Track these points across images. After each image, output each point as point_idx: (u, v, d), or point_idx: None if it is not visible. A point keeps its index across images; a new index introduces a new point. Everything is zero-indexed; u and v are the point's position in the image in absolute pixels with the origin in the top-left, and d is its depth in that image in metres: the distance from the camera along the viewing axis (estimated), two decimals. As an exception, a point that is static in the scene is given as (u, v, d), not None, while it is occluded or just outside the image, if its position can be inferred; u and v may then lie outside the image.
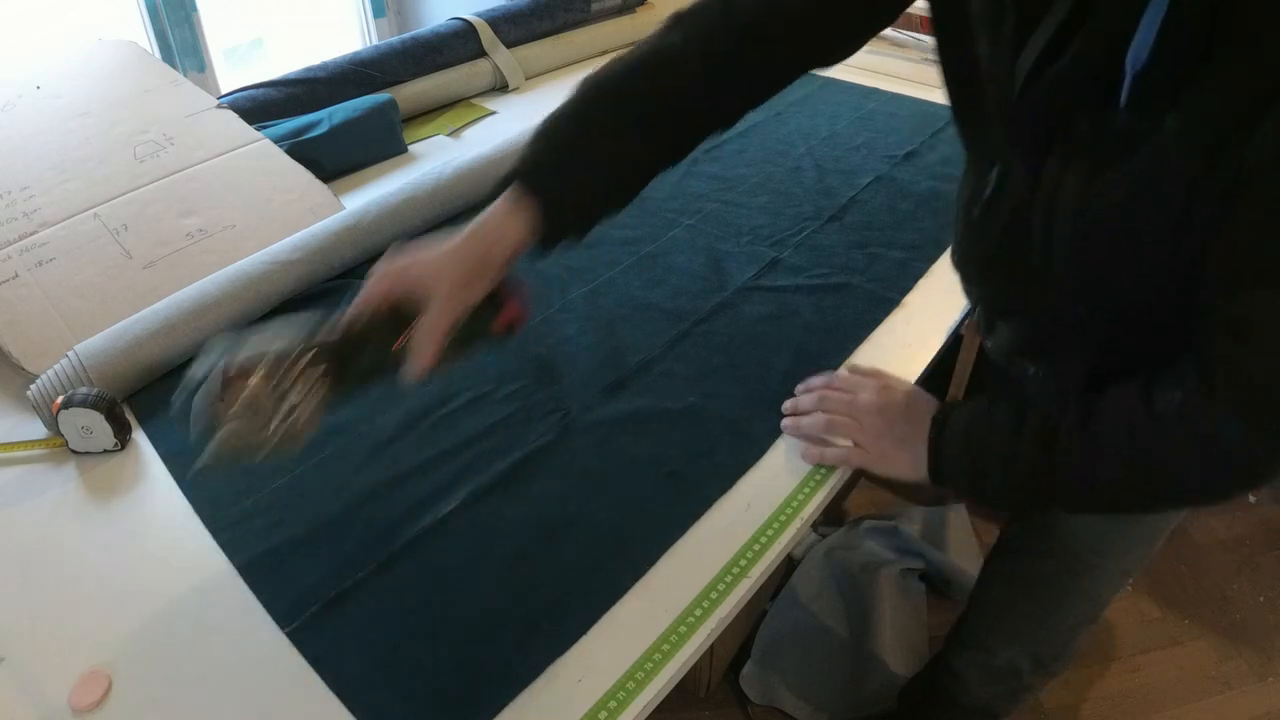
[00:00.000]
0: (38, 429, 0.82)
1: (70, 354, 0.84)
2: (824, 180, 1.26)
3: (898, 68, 1.75)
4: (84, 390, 0.78)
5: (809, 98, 1.56)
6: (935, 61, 0.66)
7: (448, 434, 0.81)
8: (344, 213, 1.09)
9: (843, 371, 0.81)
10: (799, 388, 0.80)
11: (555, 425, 0.82)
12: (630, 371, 0.89)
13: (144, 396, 0.88)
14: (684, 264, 1.07)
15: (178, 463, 0.79)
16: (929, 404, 0.69)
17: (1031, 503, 0.68)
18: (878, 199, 1.21)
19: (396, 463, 0.78)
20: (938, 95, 1.55)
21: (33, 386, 0.82)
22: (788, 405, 0.79)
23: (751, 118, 1.44)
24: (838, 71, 1.68)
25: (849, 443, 0.72)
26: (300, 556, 0.69)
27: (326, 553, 0.69)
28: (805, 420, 0.75)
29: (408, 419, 0.83)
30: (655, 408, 0.84)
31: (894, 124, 1.45)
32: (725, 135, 1.39)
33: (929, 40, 1.91)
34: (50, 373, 0.83)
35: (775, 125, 1.45)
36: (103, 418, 0.77)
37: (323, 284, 1.04)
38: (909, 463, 0.67)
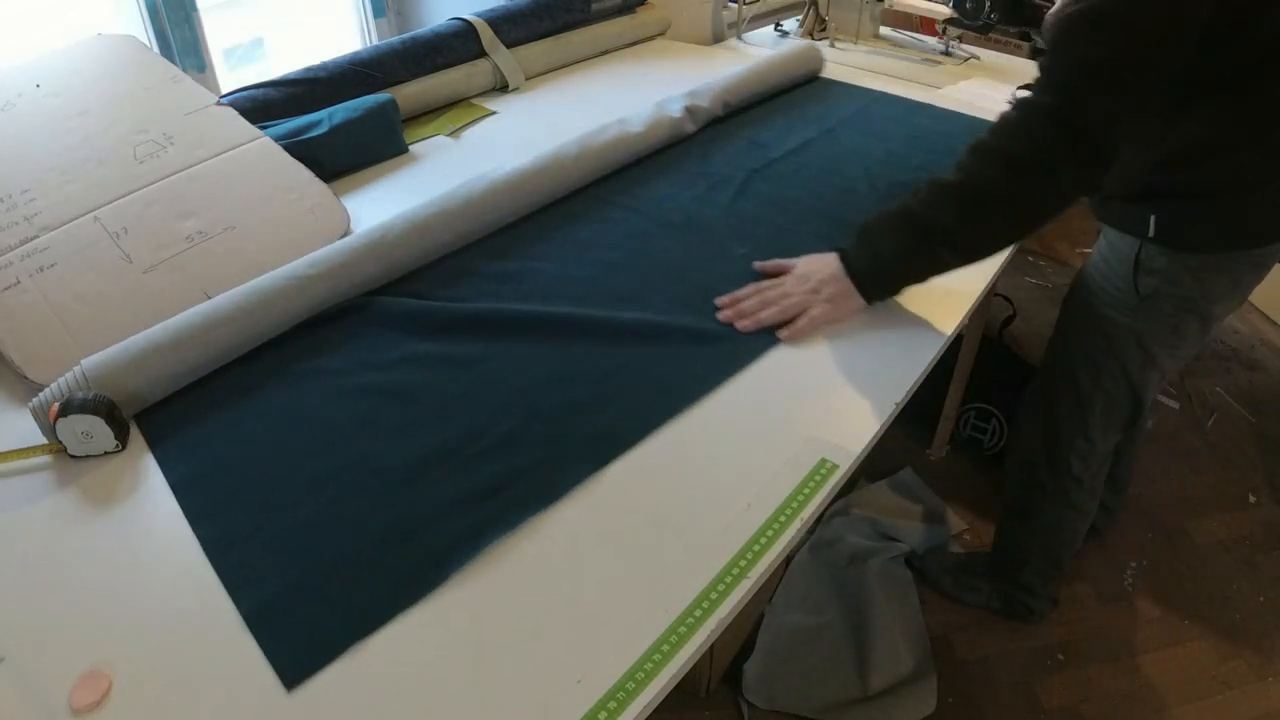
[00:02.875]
0: (36, 431, 0.82)
1: (76, 368, 0.82)
2: (879, 206, 1.13)
3: (920, 73, 1.75)
4: (80, 395, 0.77)
5: (860, 114, 1.50)
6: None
7: (474, 475, 0.75)
8: (368, 227, 1.03)
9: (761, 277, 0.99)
10: (722, 300, 0.95)
11: (589, 471, 0.76)
12: (680, 411, 0.83)
13: (152, 414, 0.84)
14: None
15: (187, 493, 0.75)
16: (832, 257, 0.93)
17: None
18: None
19: (415, 505, 0.72)
20: (987, 113, 1.49)
21: (35, 400, 0.80)
22: (724, 302, 0.94)
23: (804, 134, 1.40)
24: (880, 82, 1.65)
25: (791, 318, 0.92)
26: (313, 605, 0.64)
27: (339, 603, 0.65)
28: (763, 313, 0.91)
29: (433, 455, 0.77)
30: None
31: (949, 144, 1.37)
32: (777, 153, 1.33)
33: (965, 50, 1.84)
34: (54, 387, 0.81)
35: (827, 143, 1.38)
36: (103, 421, 0.76)
37: (344, 302, 0.98)
38: (846, 295, 0.90)
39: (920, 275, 0.91)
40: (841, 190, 1.22)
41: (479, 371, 0.88)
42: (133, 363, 0.84)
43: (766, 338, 0.92)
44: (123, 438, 0.79)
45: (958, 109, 1.53)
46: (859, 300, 0.91)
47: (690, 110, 1.40)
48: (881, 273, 0.90)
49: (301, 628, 0.63)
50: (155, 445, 0.81)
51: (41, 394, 0.81)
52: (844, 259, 0.91)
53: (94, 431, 0.77)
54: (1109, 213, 1.05)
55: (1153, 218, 0.97)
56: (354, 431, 0.81)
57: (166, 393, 0.86)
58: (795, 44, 1.71)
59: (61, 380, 0.82)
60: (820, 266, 0.92)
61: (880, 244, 0.90)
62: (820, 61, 1.69)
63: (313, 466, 0.77)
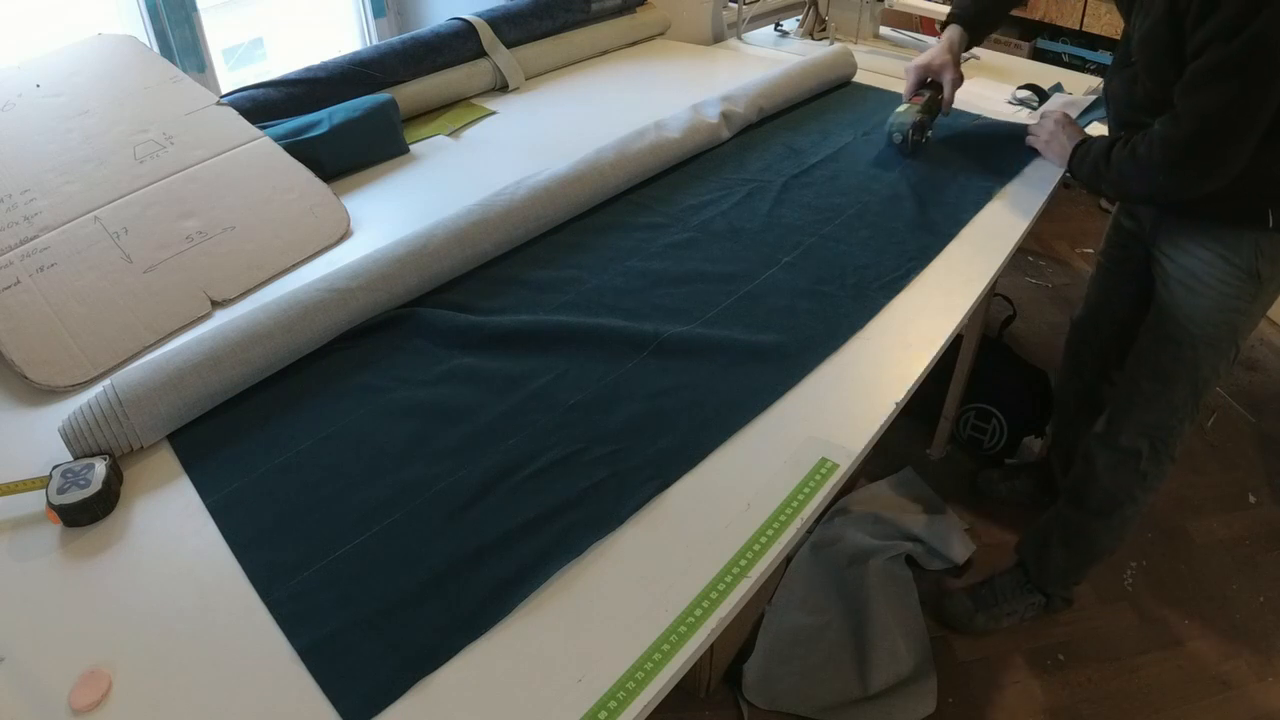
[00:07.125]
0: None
1: (106, 385, 0.78)
2: (925, 213, 1.17)
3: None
4: (81, 497, 0.72)
5: None
6: None
7: (533, 499, 0.72)
8: (408, 236, 1.01)
9: (1043, 111, 1.43)
10: (1032, 127, 1.38)
11: (652, 493, 0.74)
12: (741, 427, 0.80)
13: (186, 432, 0.81)
14: (787, 306, 0.98)
15: (227, 518, 0.73)
16: (1078, 133, 1.29)
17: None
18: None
19: (478, 533, 0.70)
20: (988, 113, 1.51)
21: (64, 423, 0.77)
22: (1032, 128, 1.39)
23: (839, 139, 1.41)
24: (880, 83, 1.65)
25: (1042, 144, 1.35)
26: (370, 642, 0.62)
27: (398, 638, 0.62)
28: (1030, 139, 1.38)
29: (487, 478, 0.75)
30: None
31: (988, 150, 1.36)
32: (814, 159, 1.33)
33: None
34: (85, 407, 0.77)
35: (864, 148, 1.37)
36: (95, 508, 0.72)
37: (385, 313, 0.95)
38: (1061, 155, 1.29)
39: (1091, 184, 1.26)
40: (885, 199, 1.21)
41: (530, 388, 0.85)
42: (169, 383, 0.79)
43: (821, 349, 0.91)
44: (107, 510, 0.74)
45: (960, 108, 1.53)
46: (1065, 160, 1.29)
47: (726, 115, 1.38)
48: (1078, 171, 1.27)
49: (362, 666, 0.60)
50: (190, 466, 0.78)
51: (69, 417, 0.77)
52: (1074, 149, 1.27)
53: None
54: (1220, 218, 1.16)
55: (1270, 211, 1.11)
56: (406, 453, 0.78)
57: (202, 411, 0.83)
58: (829, 48, 1.68)
59: (90, 400, 0.78)
60: (1067, 131, 1.31)
61: (1085, 160, 1.23)
62: (853, 66, 1.66)
63: (365, 492, 0.74)
